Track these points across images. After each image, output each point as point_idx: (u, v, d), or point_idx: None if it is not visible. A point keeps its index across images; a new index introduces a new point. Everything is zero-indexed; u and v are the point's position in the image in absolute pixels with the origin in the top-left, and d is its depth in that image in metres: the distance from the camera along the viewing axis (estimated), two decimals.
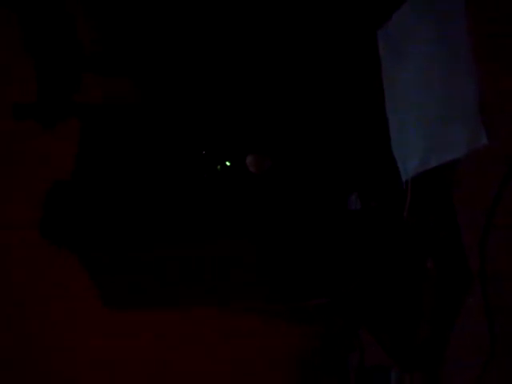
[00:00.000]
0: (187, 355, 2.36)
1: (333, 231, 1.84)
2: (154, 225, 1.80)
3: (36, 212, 1.79)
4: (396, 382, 1.95)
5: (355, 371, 2.03)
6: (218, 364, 2.32)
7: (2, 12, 1.73)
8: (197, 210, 1.85)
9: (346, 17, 1.94)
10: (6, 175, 2.37)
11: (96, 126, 1.93)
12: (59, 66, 1.88)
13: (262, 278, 1.99)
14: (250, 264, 1.95)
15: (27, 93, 1.85)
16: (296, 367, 2.26)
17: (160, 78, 2.00)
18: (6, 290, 2.38)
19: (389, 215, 1.80)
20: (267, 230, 1.80)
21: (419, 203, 1.76)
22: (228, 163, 1.93)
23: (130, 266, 1.92)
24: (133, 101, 2.01)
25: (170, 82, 2.05)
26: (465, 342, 2.03)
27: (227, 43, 2.00)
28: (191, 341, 2.35)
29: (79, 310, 2.34)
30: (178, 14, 1.98)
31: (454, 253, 1.81)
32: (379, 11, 1.82)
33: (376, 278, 1.86)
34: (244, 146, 1.94)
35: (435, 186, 1.83)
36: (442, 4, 1.65)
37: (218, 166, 1.91)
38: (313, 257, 1.92)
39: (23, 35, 1.79)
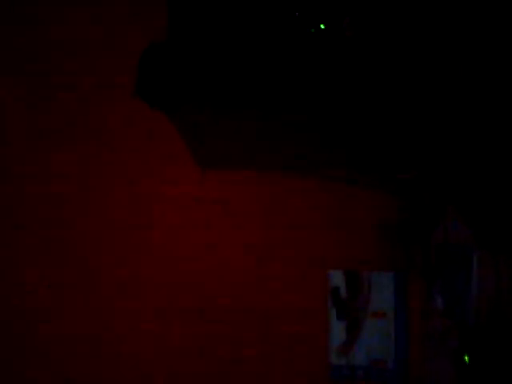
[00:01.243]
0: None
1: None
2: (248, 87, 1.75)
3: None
4: (478, 263, 1.90)
5: (437, 246, 2.00)
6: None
7: None
8: (290, 74, 1.79)
9: None
10: None
11: None
12: None
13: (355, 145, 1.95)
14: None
15: None
16: (378, 238, 2.24)
17: None
18: None
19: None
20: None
21: None
22: (322, 26, 1.85)
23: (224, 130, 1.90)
24: None
25: None
26: None
27: None
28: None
29: None
30: None
31: None
32: None
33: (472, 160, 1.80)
34: (342, 6, 1.83)
35: None
36: None
37: (312, 29, 1.82)
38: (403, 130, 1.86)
39: None
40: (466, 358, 1.91)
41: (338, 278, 2.23)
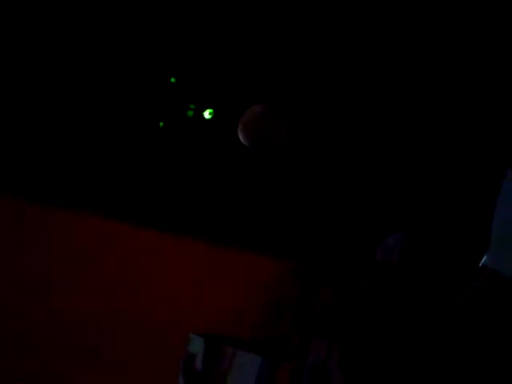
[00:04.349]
0: None
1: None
2: None
3: None
4: None
5: (314, 364, 1.83)
6: None
7: None
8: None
9: None
10: None
11: None
12: None
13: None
14: None
15: None
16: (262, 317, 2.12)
17: None
18: None
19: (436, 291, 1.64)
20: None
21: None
22: (209, 114, 1.65)
23: None
24: None
25: None
26: None
27: None
28: None
29: None
30: None
31: None
32: None
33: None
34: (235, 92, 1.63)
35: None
36: None
37: (190, 111, 1.61)
38: None
39: None
40: None
41: (197, 345, 1.86)
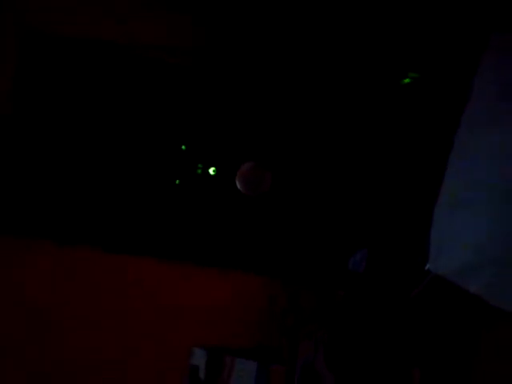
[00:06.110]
0: None
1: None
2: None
3: None
4: None
5: (304, 365, 2.13)
6: None
7: None
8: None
9: None
10: None
11: None
12: None
13: None
14: None
15: None
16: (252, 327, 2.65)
17: None
18: None
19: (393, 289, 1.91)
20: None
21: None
22: (213, 171, 2.03)
23: None
24: None
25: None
26: None
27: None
28: None
29: None
30: None
31: None
32: None
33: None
34: (238, 151, 2.00)
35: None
36: None
37: (199, 169, 1.98)
38: None
39: None
40: None
41: (199, 357, 2.13)
